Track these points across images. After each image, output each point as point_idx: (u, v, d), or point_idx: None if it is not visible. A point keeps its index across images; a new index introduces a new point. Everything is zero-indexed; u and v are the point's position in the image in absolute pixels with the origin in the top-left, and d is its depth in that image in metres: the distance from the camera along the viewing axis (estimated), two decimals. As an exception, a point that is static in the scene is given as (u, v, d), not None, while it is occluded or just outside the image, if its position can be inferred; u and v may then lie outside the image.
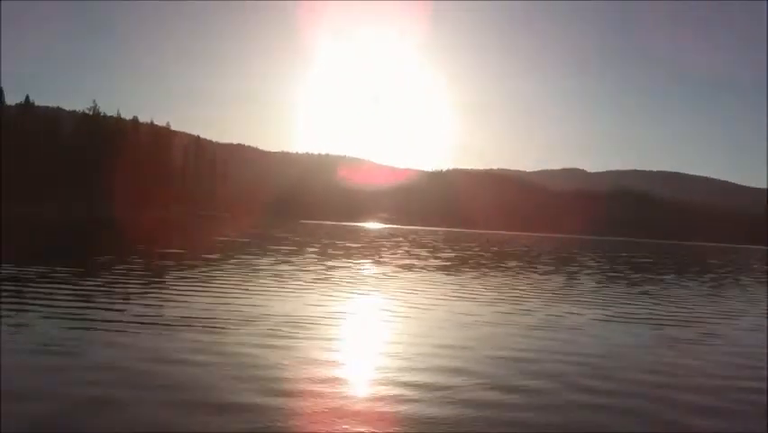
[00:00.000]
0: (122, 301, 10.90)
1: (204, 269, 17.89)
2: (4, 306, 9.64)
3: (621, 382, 6.97)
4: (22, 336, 7.60)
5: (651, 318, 12.53)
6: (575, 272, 25.77)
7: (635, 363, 8.02)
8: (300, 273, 17.86)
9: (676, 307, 14.95)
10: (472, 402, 5.77)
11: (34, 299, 10.49)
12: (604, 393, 6.41)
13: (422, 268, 23.02)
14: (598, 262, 37.22)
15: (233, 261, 21.55)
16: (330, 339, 8.48)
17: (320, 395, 5.72)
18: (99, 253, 22.01)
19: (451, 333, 9.41)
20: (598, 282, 21.12)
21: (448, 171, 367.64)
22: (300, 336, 8.47)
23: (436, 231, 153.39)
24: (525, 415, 5.52)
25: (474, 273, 22.20)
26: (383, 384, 6.22)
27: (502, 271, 23.79)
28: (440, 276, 20.01)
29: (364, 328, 9.83)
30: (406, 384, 6.24)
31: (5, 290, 11.44)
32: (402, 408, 5.51)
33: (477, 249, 46.80)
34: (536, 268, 27.24)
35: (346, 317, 10.63)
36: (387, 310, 11.48)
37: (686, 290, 20.12)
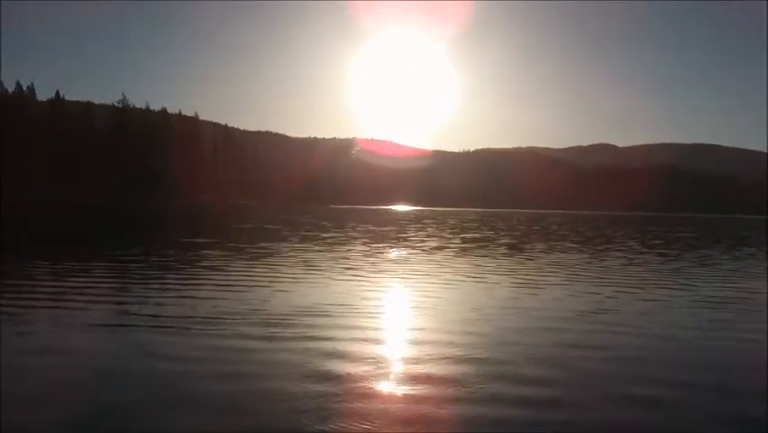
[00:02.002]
0: (139, 297, 10.62)
1: (232, 258, 18.03)
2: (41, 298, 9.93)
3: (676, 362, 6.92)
4: (25, 338, 7.21)
5: (697, 297, 12.35)
6: (607, 251, 25.47)
7: (681, 345, 7.95)
8: (327, 259, 17.87)
9: (718, 283, 14.70)
10: (521, 379, 5.80)
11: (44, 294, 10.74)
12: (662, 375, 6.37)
13: (443, 249, 23.03)
14: (632, 238, 36.71)
15: (257, 248, 21.56)
16: (374, 317, 8.60)
17: (377, 375, 5.84)
18: (130, 244, 22.36)
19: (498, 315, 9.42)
20: (632, 261, 20.83)
21: (476, 151, 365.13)
22: (347, 314, 8.57)
23: (466, 211, 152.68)
24: (572, 393, 5.52)
25: (507, 254, 22.11)
26: (436, 361, 6.27)
27: (532, 253, 23.65)
28: (466, 258, 19.95)
29: (411, 310, 9.93)
30: (460, 360, 6.28)
31: (43, 283, 11.77)
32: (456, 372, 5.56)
33: (506, 229, 46.55)
34: (571, 246, 27.00)
35: (385, 301, 10.74)
36: (423, 292, 11.54)
37: (729, 266, 19.76)
